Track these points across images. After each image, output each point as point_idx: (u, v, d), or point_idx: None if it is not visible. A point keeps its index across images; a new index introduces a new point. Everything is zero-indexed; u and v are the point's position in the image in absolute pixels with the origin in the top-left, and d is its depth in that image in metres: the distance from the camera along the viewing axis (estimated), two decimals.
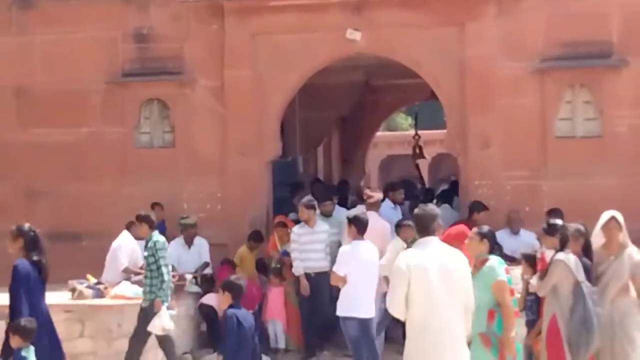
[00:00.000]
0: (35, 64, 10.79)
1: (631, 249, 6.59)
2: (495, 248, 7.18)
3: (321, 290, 8.56)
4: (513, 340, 5.76)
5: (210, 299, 9.12)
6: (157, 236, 7.56)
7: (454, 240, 7.13)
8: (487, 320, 5.78)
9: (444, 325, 4.53)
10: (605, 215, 6.73)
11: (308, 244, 8.99)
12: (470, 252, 6.15)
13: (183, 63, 10.56)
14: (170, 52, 10.59)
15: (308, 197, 9.22)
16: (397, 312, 4.68)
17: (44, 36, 10.69)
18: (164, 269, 7.49)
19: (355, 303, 7.06)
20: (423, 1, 10.12)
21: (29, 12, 10.78)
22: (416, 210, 5.01)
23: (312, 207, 8.84)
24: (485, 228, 6.31)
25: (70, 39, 10.61)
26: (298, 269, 8.71)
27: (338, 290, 7.38)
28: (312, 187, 12.55)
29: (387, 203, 9.72)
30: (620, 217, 6.64)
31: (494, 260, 5.85)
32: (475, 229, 6.60)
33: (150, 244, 7.52)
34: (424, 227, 4.78)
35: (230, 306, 5.96)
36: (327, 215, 9.37)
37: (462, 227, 7.87)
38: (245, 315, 6.04)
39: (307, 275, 8.72)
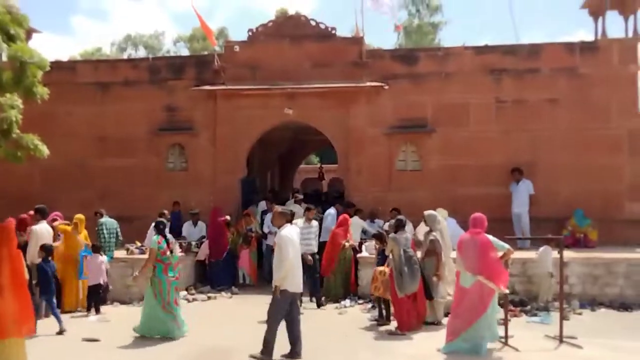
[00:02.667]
0: (109, 122, 15.76)
1: (434, 233, 10.05)
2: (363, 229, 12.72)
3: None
4: None
5: (200, 255, 13.88)
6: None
7: (342, 224, 12.58)
8: None
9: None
10: (425, 213, 10.37)
11: (306, 234, 11.39)
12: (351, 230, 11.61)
13: (193, 123, 15.51)
14: (185, 118, 15.57)
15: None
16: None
17: (115, 106, 15.77)
18: None
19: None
20: (327, 94, 14.75)
21: (106, 92, 15.90)
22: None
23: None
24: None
25: (130, 108, 15.67)
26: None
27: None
28: (267, 193, 17.20)
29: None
30: (426, 213, 10.23)
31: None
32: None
33: None
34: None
35: None
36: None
37: (346, 216, 12.79)
38: None
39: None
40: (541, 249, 11.48)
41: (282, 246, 7.87)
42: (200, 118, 15.53)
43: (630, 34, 14.68)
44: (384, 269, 10.09)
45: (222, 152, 15.34)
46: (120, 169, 15.63)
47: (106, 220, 12.85)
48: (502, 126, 14.74)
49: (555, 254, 10.41)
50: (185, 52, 38.47)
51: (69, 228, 11.65)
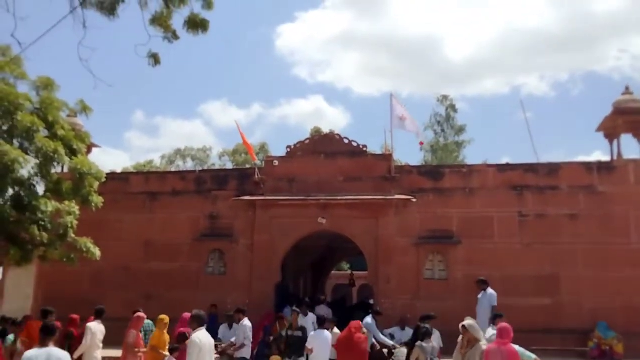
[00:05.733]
0: (156, 228, 16.09)
1: (482, 342, 8.34)
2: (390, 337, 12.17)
3: None
4: None
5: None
6: None
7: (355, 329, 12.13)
8: None
9: None
10: (467, 323, 8.61)
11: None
12: None
13: (233, 231, 15.75)
14: (226, 225, 15.84)
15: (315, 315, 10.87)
16: None
17: (162, 214, 16.20)
18: None
19: None
20: (358, 206, 14.96)
21: (155, 201, 16.38)
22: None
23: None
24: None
25: (176, 216, 16.08)
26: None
27: None
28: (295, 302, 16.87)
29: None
30: (467, 323, 8.50)
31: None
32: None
33: None
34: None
35: None
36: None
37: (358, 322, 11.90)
38: None
39: None
40: None
41: (189, 351, 7.48)
42: (240, 226, 15.80)
43: None
44: None
45: (259, 258, 15.42)
46: (163, 272, 15.78)
47: (150, 322, 12.68)
48: (525, 239, 14.65)
49: None
50: (229, 165, 39.48)
51: (166, 319, 11.15)
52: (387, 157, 15.93)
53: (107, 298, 14.68)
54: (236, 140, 43.29)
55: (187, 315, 11.44)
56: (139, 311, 12.14)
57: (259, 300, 14.91)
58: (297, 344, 11.25)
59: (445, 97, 37.65)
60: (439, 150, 36.31)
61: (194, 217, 16.06)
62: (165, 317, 11.12)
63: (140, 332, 11.76)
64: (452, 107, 37.52)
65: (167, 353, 10.34)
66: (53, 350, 5.93)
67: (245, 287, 15.30)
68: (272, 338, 13.37)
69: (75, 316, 11.54)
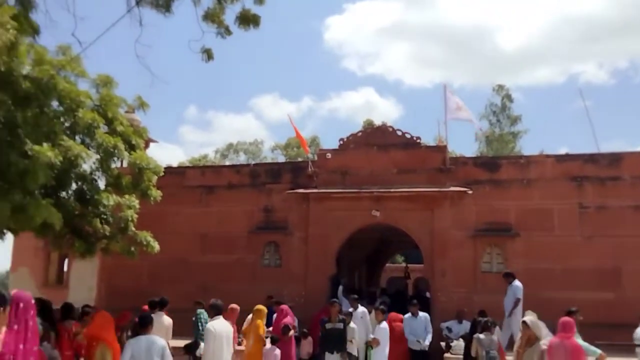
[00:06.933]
0: (212, 221, 16.34)
1: (542, 342, 7.81)
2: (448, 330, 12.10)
3: None
4: None
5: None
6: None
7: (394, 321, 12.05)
8: None
9: None
10: (528, 319, 8.23)
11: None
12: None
13: (287, 224, 15.87)
14: (281, 218, 15.96)
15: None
16: None
17: (217, 207, 16.43)
18: None
19: None
20: (412, 198, 14.80)
21: (211, 195, 16.65)
22: None
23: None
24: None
25: (230, 210, 16.28)
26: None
27: None
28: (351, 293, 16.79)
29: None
30: (529, 319, 8.08)
31: None
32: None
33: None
34: None
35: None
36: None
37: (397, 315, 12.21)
38: None
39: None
40: None
41: (205, 339, 8.06)
42: (294, 218, 15.90)
43: None
44: None
45: (314, 250, 15.48)
46: (220, 264, 16.00)
47: (204, 311, 12.83)
48: (586, 231, 14.25)
49: None
50: (281, 159, 39.79)
51: (264, 310, 11.04)
52: (441, 149, 15.72)
53: (165, 290, 14.84)
54: (287, 134, 43.65)
55: (285, 307, 11.69)
56: (201, 303, 12.23)
57: (314, 292, 14.96)
58: (337, 338, 10.86)
59: (501, 87, 36.95)
60: (494, 141, 35.63)
61: (248, 210, 16.24)
62: (262, 307, 10.93)
63: (200, 322, 11.84)
64: (508, 97, 36.77)
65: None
66: (151, 337, 6.82)
67: (301, 280, 15.38)
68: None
69: (145, 307, 11.65)
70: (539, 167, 14.95)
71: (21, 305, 4.49)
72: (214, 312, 8.47)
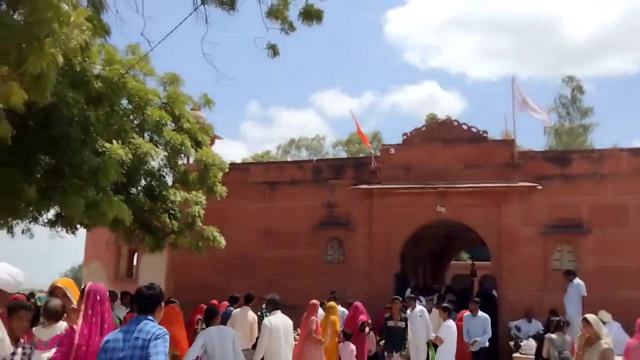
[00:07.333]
0: (275, 217, 16.50)
1: (603, 340, 7.24)
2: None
3: None
4: None
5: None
6: None
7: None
8: None
9: None
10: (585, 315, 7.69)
11: None
12: None
13: (350, 219, 15.86)
14: (344, 214, 15.97)
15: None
16: None
17: (281, 203, 16.57)
18: None
19: None
20: (479, 193, 14.51)
21: (274, 190, 16.82)
22: None
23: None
24: None
25: (294, 205, 16.39)
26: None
27: None
28: (416, 289, 16.57)
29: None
30: (590, 317, 7.49)
31: None
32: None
33: None
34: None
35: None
36: None
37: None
38: None
39: None
40: None
41: (261, 334, 8.20)
42: (357, 214, 15.84)
43: None
44: None
45: (377, 247, 15.40)
46: (283, 260, 16.12)
47: None
48: None
49: None
50: (343, 155, 39.76)
51: (336, 306, 11.30)
52: (509, 143, 15.33)
53: (230, 285, 15.14)
54: (349, 129, 43.56)
55: (359, 304, 11.78)
56: (268, 297, 12.17)
57: (377, 289, 14.85)
58: (399, 336, 10.73)
59: (571, 78, 35.79)
60: (564, 134, 34.51)
61: (311, 205, 16.30)
62: (334, 304, 11.12)
63: (264, 316, 11.83)
64: (579, 89, 35.59)
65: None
66: (221, 327, 7.50)
67: (364, 276, 15.30)
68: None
69: (214, 301, 11.81)
70: (612, 161, 14.39)
71: (98, 297, 4.64)
72: (272, 307, 8.56)
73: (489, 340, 11.34)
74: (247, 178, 17.18)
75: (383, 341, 11.53)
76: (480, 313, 11.51)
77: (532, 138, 75.42)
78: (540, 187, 14.35)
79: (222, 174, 12.46)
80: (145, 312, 4.07)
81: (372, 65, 75.09)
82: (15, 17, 6.30)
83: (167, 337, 3.94)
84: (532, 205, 14.43)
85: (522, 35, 62.67)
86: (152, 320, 4.01)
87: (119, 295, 11.28)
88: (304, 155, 43.70)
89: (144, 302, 4.12)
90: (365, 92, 77.06)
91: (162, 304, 4.21)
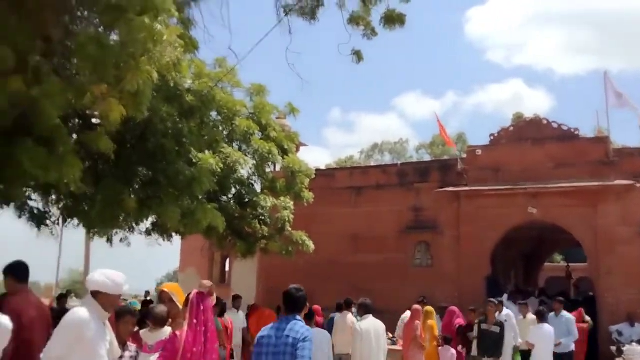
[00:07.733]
0: (361, 222, 16.58)
1: None
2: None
3: None
4: None
5: None
6: None
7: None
8: None
9: None
10: None
11: None
12: None
13: (437, 223, 15.74)
14: (430, 217, 15.86)
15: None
16: None
17: (366, 207, 16.58)
18: None
19: None
20: (572, 193, 14.07)
21: (360, 195, 16.95)
22: None
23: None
24: None
25: (380, 210, 16.42)
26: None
27: None
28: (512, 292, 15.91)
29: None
30: None
31: None
32: None
33: None
34: None
35: None
36: None
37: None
38: None
39: None
40: None
41: (354, 338, 8.26)
42: (444, 218, 15.69)
43: None
44: None
45: (466, 250, 15.18)
46: (370, 264, 16.12)
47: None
48: None
49: None
50: (427, 158, 39.26)
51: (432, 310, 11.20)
52: (603, 140, 14.76)
53: (319, 290, 15.16)
54: (432, 132, 42.99)
55: (455, 308, 11.75)
56: (360, 301, 12.16)
57: (467, 293, 14.51)
58: (493, 341, 10.21)
59: None
60: None
61: (397, 209, 16.27)
62: (431, 308, 11.06)
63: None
64: None
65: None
66: (318, 330, 7.77)
67: (453, 280, 15.12)
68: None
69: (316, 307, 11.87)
70: None
71: (202, 307, 4.86)
72: (363, 311, 8.60)
73: (588, 345, 10.87)
74: (333, 184, 17.36)
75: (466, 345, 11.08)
76: (563, 313, 10.97)
77: (627, 134, 71.60)
78: (638, 185, 13.74)
79: (308, 180, 12.70)
80: (294, 312, 4.49)
81: (453, 65, 73.93)
82: (112, 37, 6.70)
83: (313, 340, 4.33)
84: (630, 204, 13.81)
85: (608, 29, 59.92)
86: (300, 320, 4.42)
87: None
88: (387, 159, 43.51)
89: (293, 303, 4.54)
90: (448, 92, 75.82)
91: (307, 304, 4.68)
